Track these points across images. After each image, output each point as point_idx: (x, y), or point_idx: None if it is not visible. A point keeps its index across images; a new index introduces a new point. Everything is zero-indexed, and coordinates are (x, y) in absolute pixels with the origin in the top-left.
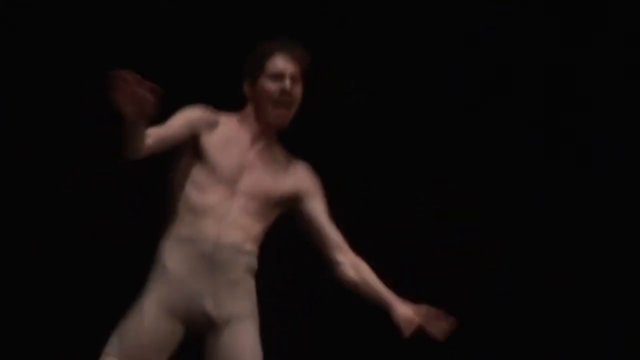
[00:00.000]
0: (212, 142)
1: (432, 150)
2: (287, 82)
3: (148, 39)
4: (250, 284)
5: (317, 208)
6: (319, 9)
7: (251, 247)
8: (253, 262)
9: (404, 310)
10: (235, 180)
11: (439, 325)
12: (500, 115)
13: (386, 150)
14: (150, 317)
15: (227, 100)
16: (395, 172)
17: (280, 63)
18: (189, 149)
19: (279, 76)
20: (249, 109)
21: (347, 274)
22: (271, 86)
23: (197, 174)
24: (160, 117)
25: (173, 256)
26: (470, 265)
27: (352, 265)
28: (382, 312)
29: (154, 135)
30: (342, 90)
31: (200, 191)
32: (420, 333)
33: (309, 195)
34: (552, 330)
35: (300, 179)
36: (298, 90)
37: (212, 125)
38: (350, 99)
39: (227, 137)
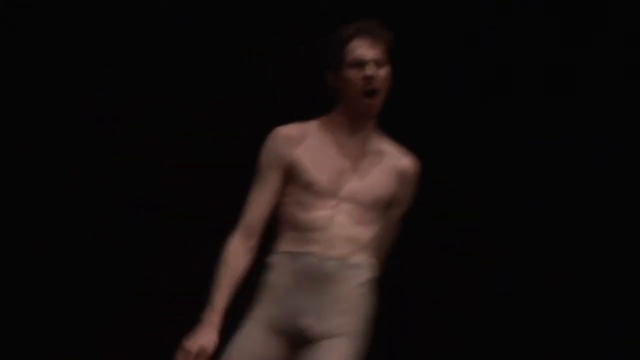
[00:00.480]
0: (303, 161)
1: (432, 150)
2: (370, 68)
3: (148, 39)
4: (360, 300)
5: (395, 212)
6: (318, 8)
7: (361, 258)
8: (364, 274)
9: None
10: (335, 191)
11: None
12: (501, 115)
13: None
14: (256, 337)
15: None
16: None
17: (362, 48)
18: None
19: (360, 63)
20: (337, 108)
21: None
22: (354, 75)
23: (298, 193)
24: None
25: (277, 273)
26: (470, 265)
27: None
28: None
29: (257, 229)
30: None
31: (303, 208)
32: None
33: (401, 201)
34: (552, 331)
35: (404, 181)
36: (384, 74)
37: (297, 145)
38: None
39: (316, 148)
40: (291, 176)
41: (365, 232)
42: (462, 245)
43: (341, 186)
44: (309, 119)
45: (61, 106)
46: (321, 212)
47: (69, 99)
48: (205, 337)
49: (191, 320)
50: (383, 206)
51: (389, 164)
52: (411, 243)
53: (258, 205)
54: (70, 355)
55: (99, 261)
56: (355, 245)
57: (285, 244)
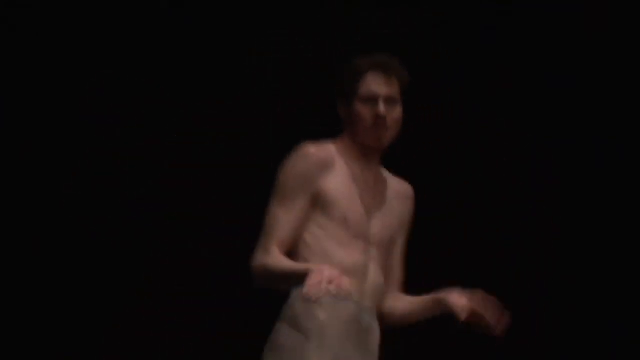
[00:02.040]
0: (335, 193)
1: (430, 149)
2: (382, 107)
3: (148, 39)
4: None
5: (401, 242)
6: (318, 8)
7: (378, 309)
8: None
9: (455, 296)
10: (365, 233)
11: (494, 314)
12: (500, 115)
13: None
14: None
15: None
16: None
17: (375, 84)
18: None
19: (372, 99)
20: (347, 135)
21: (388, 306)
22: (365, 111)
23: (330, 226)
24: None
25: (325, 313)
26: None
27: (392, 297)
28: None
29: (287, 247)
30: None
31: (338, 246)
32: (475, 321)
33: (405, 229)
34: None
35: (408, 212)
36: (396, 113)
37: (327, 172)
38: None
39: (343, 178)
40: (320, 205)
41: (383, 279)
42: (466, 245)
43: (369, 227)
44: (309, 120)
45: (61, 106)
46: (357, 256)
47: (69, 99)
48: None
49: (191, 320)
50: (394, 245)
51: (398, 196)
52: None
53: (286, 224)
54: (70, 355)
55: (99, 261)
56: (381, 295)
57: None
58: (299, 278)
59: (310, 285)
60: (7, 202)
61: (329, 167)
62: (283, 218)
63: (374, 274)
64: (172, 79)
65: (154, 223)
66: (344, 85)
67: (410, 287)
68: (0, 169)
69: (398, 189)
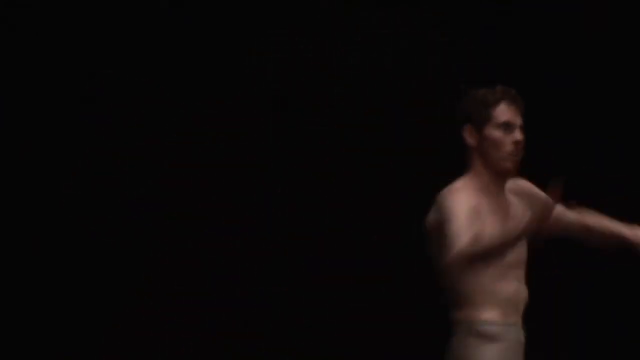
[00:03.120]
0: (490, 231)
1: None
2: (519, 134)
3: (148, 39)
4: None
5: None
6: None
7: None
8: None
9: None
10: (513, 259)
11: None
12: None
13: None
14: None
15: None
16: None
17: (510, 113)
18: None
19: (509, 126)
20: (475, 163)
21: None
22: (502, 137)
23: (492, 264)
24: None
25: (502, 345)
26: None
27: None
28: None
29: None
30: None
31: (499, 280)
32: None
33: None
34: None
35: (529, 198)
36: (524, 142)
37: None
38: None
39: (487, 215)
40: None
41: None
42: None
43: (513, 253)
44: (309, 120)
45: (61, 106)
46: (513, 284)
47: (69, 99)
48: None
49: (191, 320)
50: None
51: (517, 195)
52: None
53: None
54: (70, 355)
55: (99, 261)
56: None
57: (494, 315)
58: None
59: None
60: (7, 202)
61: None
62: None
63: (524, 294)
64: (172, 79)
65: (154, 223)
66: (475, 111)
67: None
68: (0, 169)
69: (514, 190)
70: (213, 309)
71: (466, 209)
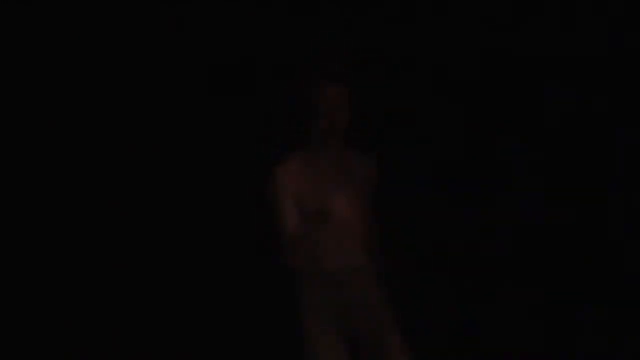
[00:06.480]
0: None
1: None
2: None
3: (148, 39)
4: None
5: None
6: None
7: None
8: None
9: None
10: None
11: None
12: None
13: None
14: None
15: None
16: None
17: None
18: None
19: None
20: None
21: None
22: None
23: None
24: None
25: None
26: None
27: None
28: None
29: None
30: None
31: None
32: None
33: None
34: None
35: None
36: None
37: None
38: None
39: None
40: None
41: None
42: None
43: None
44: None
45: (61, 106)
46: None
47: (69, 98)
48: None
49: (191, 320)
50: None
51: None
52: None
53: None
54: (70, 355)
55: (99, 261)
56: None
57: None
58: None
59: None
60: (7, 202)
61: None
62: None
63: None
64: (172, 79)
65: (154, 223)
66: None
67: None
68: (0, 169)
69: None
70: (213, 309)
71: None
